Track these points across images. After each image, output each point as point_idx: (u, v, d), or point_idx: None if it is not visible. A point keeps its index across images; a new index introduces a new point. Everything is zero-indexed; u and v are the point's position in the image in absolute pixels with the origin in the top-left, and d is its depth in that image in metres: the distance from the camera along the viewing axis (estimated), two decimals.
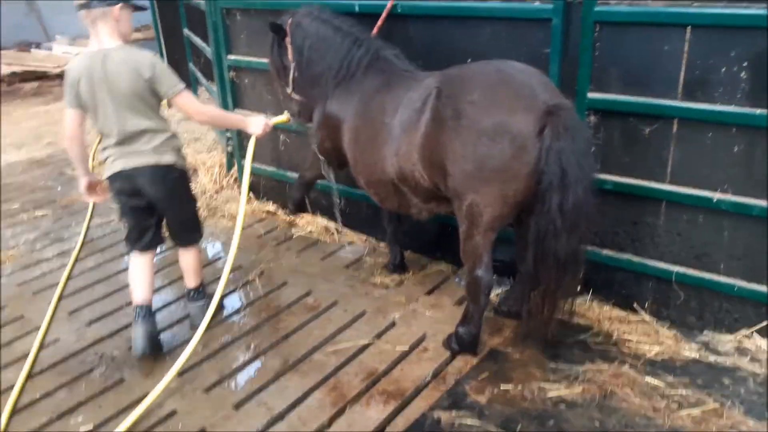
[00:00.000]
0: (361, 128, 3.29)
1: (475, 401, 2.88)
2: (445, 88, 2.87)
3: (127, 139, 3.11)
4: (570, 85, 3.17)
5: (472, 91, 2.75)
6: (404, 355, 3.25)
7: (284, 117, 3.74)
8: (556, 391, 2.92)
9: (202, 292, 3.62)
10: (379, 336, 3.41)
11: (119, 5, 3.02)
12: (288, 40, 3.53)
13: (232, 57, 4.89)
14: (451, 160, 2.80)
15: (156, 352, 3.29)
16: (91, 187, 3.39)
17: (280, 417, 2.87)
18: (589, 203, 2.69)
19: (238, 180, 5.36)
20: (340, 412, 2.87)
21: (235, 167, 5.37)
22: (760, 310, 3.08)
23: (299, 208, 4.33)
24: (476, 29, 3.47)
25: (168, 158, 3.20)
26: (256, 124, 3.49)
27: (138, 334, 3.23)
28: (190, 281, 3.61)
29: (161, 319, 3.63)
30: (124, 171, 3.16)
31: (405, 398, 2.93)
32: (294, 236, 4.66)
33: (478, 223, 2.87)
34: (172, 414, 2.91)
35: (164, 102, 3.18)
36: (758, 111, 2.80)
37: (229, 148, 5.30)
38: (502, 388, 2.95)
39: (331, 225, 4.69)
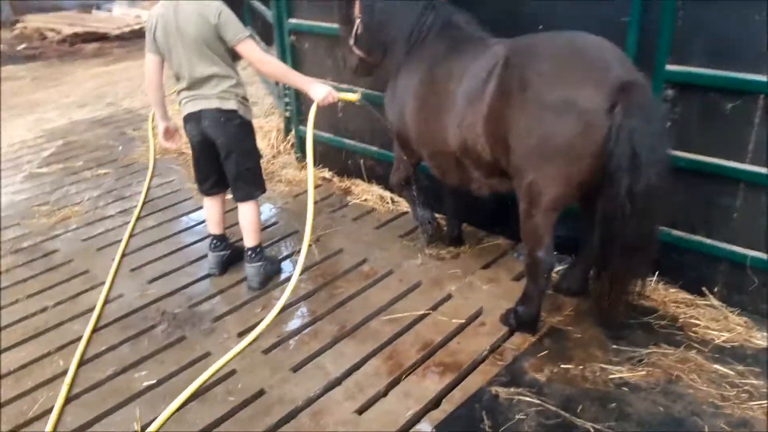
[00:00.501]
0: (426, 96, 3.18)
1: (534, 378, 2.84)
2: (513, 57, 2.74)
3: (195, 84, 3.26)
4: (647, 56, 3.01)
5: (541, 61, 2.62)
6: (461, 328, 3.22)
7: (354, 96, 3.55)
8: (618, 373, 2.84)
9: (260, 253, 3.65)
10: (435, 308, 3.38)
11: None
12: None
13: (293, 21, 4.84)
14: (514, 135, 2.69)
15: (224, 273, 3.76)
16: (168, 132, 3.60)
17: (337, 382, 2.88)
18: (662, 188, 2.55)
19: (295, 146, 5.35)
20: (396, 381, 2.87)
21: (293, 132, 5.36)
22: None
23: (432, 232, 3.85)
24: (548, 2, 3.32)
25: (231, 104, 3.29)
26: (320, 90, 3.38)
27: (210, 260, 3.77)
28: (248, 240, 3.64)
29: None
30: (192, 113, 3.33)
31: (462, 371, 2.91)
32: (349, 204, 4.64)
33: (539, 203, 2.77)
34: (231, 373, 2.96)
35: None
36: None
37: (287, 113, 5.29)
38: (562, 367, 2.90)
39: (387, 194, 4.65)
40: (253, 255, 3.63)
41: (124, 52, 10.40)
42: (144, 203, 4.71)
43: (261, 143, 5.47)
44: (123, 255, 4.02)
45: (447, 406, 2.71)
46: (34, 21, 11.94)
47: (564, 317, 3.25)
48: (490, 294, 3.48)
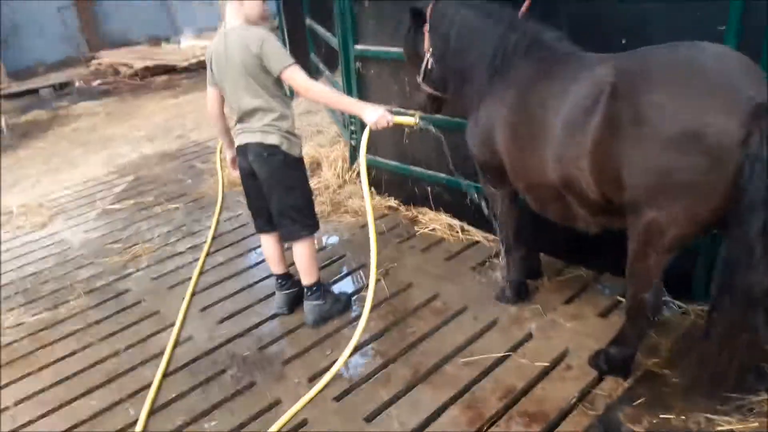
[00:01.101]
0: (518, 124, 2.88)
1: (631, 431, 2.57)
2: (621, 84, 2.40)
3: (244, 116, 3.21)
4: None
5: (655, 88, 2.29)
6: (545, 373, 2.98)
7: (412, 119, 3.28)
8: (727, 424, 2.54)
9: (317, 291, 3.53)
10: (514, 349, 3.16)
11: None
12: (426, 27, 3.23)
13: (359, 47, 4.76)
14: (629, 173, 2.38)
15: (291, 312, 3.66)
16: (235, 161, 3.52)
17: None
18: None
19: (360, 176, 5.25)
20: None
21: (358, 161, 5.26)
22: None
23: (520, 291, 3.54)
24: (636, 6, 3.07)
25: (273, 138, 3.19)
26: (372, 112, 3.16)
27: (276, 299, 3.70)
28: (304, 279, 3.54)
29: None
30: (240, 146, 3.29)
31: (549, 422, 2.68)
32: (417, 234, 4.48)
33: (656, 244, 2.47)
34: (303, 423, 2.84)
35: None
36: None
37: (352, 142, 5.20)
38: (662, 417, 2.62)
39: (456, 223, 4.47)
40: (310, 293, 3.53)
41: (192, 84, 10.68)
42: (213, 239, 4.70)
43: (327, 173, 5.42)
44: (193, 294, 3.99)
45: None
46: (108, 57, 12.47)
47: (661, 359, 2.96)
48: (574, 333, 3.23)
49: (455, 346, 3.22)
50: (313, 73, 8.21)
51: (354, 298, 3.79)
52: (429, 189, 4.68)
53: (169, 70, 11.66)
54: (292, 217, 3.34)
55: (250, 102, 3.14)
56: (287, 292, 3.67)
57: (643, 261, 2.56)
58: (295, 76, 3.08)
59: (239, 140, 3.29)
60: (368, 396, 2.97)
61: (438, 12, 3.18)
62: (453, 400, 2.87)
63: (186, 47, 12.64)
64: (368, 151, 5.04)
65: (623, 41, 3.06)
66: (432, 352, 3.21)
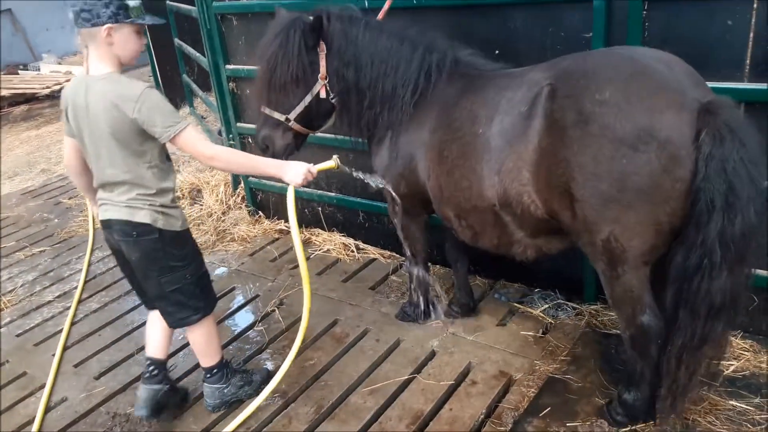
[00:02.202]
0: (445, 145, 2.64)
1: None
2: (561, 85, 2.26)
3: (106, 185, 2.57)
4: None
5: (600, 87, 2.14)
6: (451, 391, 2.90)
7: (332, 163, 2.74)
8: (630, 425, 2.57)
9: (218, 372, 2.94)
10: (419, 370, 3.06)
11: (109, 26, 2.37)
12: (322, 48, 2.80)
13: (231, 67, 4.53)
14: (579, 181, 2.18)
15: (156, 417, 2.86)
16: None
17: None
18: (762, 228, 2.08)
19: (246, 199, 5.01)
20: None
21: (242, 185, 5.01)
22: None
23: (428, 308, 3.41)
24: (505, 17, 3.11)
25: (143, 216, 2.54)
26: (294, 171, 2.58)
27: (139, 394, 2.86)
28: (201, 361, 2.96)
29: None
30: (103, 221, 2.63)
31: None
32: (311, 256, 4.31)
33: (623, 260, 2.25)
34: None
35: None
36: None
37: None
38: (569, 425, 2.60)
39: (350, 241, 4.35)
40: (209, 375, 2.95)
41: (55, 112, 9.87)
42: (85, 283, 4.26)
43: (209, 199, 5.13)
44: (64, 349, 3.58)
45: None
46: None
47: (560, 363, 2.97)
48: (475, 346, 3.18)
49: (358, 375, 3.08)
50: (187, 95, 7.84)
51: (250, 332, 3.54)
52: (320, 209, 4.53)
53: (30, 99, 10.74)
54: (177, 302, 2.71)
55: (116, 174, 2.50)
56: (151, 387, 2.85)
57: (618, 281, 2.32)
58: (192, 142, 2.49)
59: (102, 213, 2.62)
60: None
61: (338, 33, 2.80)
62: None
63: (47, 73, 11.72)
64: (252, 174, 4.86)
65: (497, 52, 3.08)
66: (334, 384, 3.05)
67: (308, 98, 2.86)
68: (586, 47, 2.84)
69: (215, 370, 2.93)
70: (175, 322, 2.78)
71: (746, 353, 2.86)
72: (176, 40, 7.36)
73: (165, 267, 2.63)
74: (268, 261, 4.34)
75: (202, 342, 2.88)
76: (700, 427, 2.50)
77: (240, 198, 5.08)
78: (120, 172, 2.50)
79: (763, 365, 2.79)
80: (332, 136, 3.62)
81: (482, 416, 2.73)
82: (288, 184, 2.64)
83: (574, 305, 3.37)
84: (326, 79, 2.83)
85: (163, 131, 2.43)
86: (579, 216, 2.25)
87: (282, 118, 2.89)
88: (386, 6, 3.15)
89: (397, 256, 4.13)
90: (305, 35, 2.75)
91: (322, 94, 2.86)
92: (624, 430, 2.54)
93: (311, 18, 2.78)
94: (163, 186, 2.59)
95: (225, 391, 2.94)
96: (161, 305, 2.75)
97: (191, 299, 2.73)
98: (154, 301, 2.78)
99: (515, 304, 3.47)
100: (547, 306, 3.39)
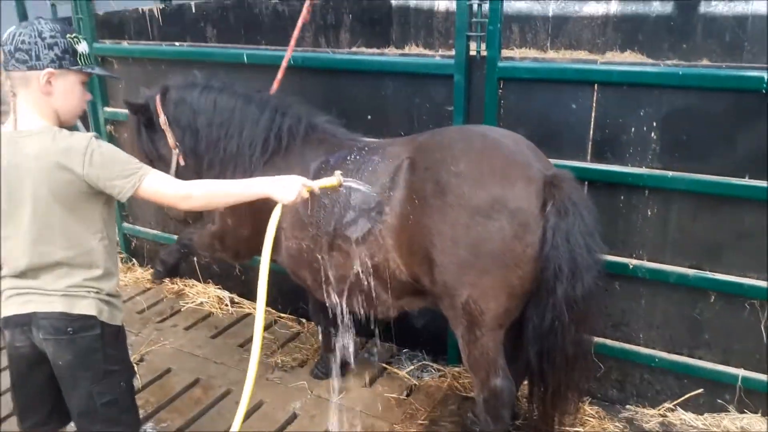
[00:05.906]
0: (304, 212, 2.65)
1: None
2: (419, 158, 2.41)
3: (27, 271, 2.04)
4: None
5: (455, 160, 2.32)
6: None
7: (334, 180, 2.31)
8: None
9: None
10: None
11: (50, 70, 1.96)
12: (163, 120, 2.85)
13: (109, 109, 4.39)
14: (439, 247, 2.32)
15: None
16: None
17: None
18: (599, 290, 2.37)
19: (118, 244, 4.78)
20: None
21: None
22: (681, 382, 2.92)
23: (170, 273, 3.53)
24: (378, 84, 3.20)
25: (85, 306, 2.05)
26: (288, 189, 2.17)
27: None
28: None
29: None
30: (17, 316, 2.06)
31: None
32: (182, 309, 4.14)
33: (481, 323, 2.37)
34: None
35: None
36: (671, 174, 2.66)
37: None
38: None
39: (225, 294, 4.22)
40: None
41: None
42: None
43: None
44: None
45: None
46: None
47: (418, 428, 2.97)
48: (338, 408, 3.13)
49: None
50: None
51: None
52: (195, 259, 4.39)
53: None
54: (108, 419, 2.14)
55: (50, 253, 2.01)
56: None
57: (476, 344, 2.43)
58: (163, 186, 2.05)
59: (13, 306, 2.06)
60: None
61: (173, 102, 2.86)
62: None
63: None
64: (126, 218, 4.67)
65: (369, 117, 3.16)
66: None
67: (173, 167, 2.93)
68: (449, 119, 2.98)
69: None
70: None
71: (591, 419, 2.98)
72: None
73: (100, 372, 2.10)
74: (135, 313, 4.12)
75: None
76: None
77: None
78: (58, 249, 2.01)
79: (608, 430, 2.92)
80: None
81: None
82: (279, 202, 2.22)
83: (439, 366, 3.41)
84: (176, 147, 2.90)
85: (125, 183, 1.99)
86: (439, 281, 2.38)
87: None
88: (284, 64, 3.16)
89: (272, 311, 4.05)
90: (139, 116, 2.91)
91: (182, 162, 2.93)
92: None
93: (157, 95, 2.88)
94: (110, 266, 2.12)
95: None
96: (85, 422, 2.14)
97: (123, 413, 2.19)
98: (79, 419, 2.16)
99: (384, 365, 3.46)
100: (412, 367, 3.41)
